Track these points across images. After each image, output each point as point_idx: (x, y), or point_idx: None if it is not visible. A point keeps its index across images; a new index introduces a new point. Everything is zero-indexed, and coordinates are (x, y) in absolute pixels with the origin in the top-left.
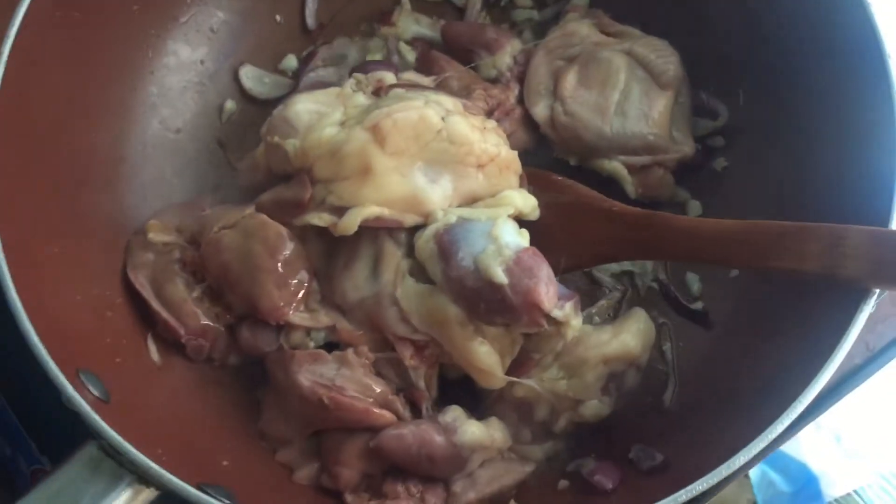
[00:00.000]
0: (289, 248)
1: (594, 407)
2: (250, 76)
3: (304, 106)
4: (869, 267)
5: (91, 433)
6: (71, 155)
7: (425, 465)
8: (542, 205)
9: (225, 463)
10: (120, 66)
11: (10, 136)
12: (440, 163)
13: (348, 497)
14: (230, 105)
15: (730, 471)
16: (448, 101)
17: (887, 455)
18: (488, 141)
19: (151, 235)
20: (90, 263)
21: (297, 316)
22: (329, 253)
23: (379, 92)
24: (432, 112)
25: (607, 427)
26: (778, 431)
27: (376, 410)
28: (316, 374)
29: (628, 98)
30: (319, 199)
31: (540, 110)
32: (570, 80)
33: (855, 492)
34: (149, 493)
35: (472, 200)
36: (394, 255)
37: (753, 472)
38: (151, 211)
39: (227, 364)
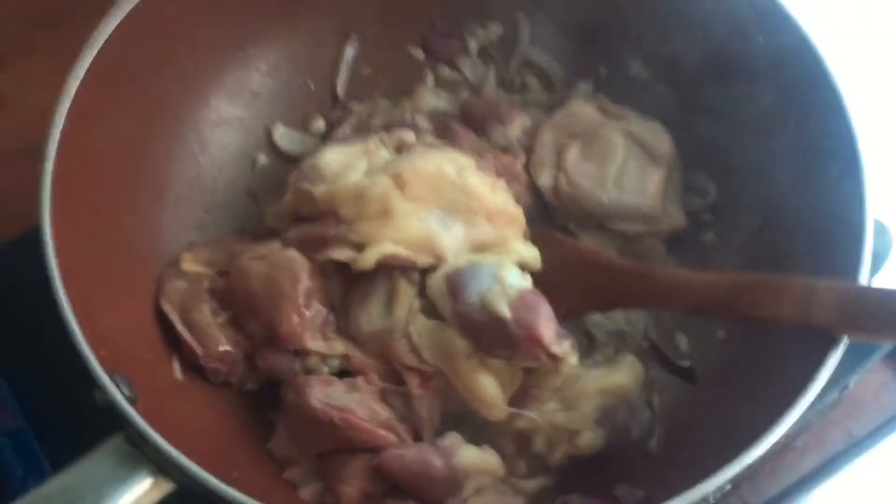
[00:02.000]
0: (310, 280)
1: (590, 438)
2: (282, 135)
3: (333, 156)
4: (836, 316)
5: (120, 424)
6: (117, 193)
7: (423, 485)
8: (545, 258)
9: (235, 474)
10: (168, 117)
11: (71, 171)
12: (454, 211)
13: None
14: (262, 158)
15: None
16: (464, 159)
17: None
18: (497, 196)
19: (184, 266)
20: (127, 289)
21: (314, 343)
22: (346, 289)
23: (401, 150)
24: (450, 166)
25: (595, 469)
26: (744, 463)
27: (382, 432)
28: (328, 397)
29: (625, 172)
30: (342, 237)
31: (545, 179)
32: (572, 153)
33: None
34: (167, 486)
35: (480, 248)
36: (407, 294)
37: None
38: (183, 245)
39: (244, 389)
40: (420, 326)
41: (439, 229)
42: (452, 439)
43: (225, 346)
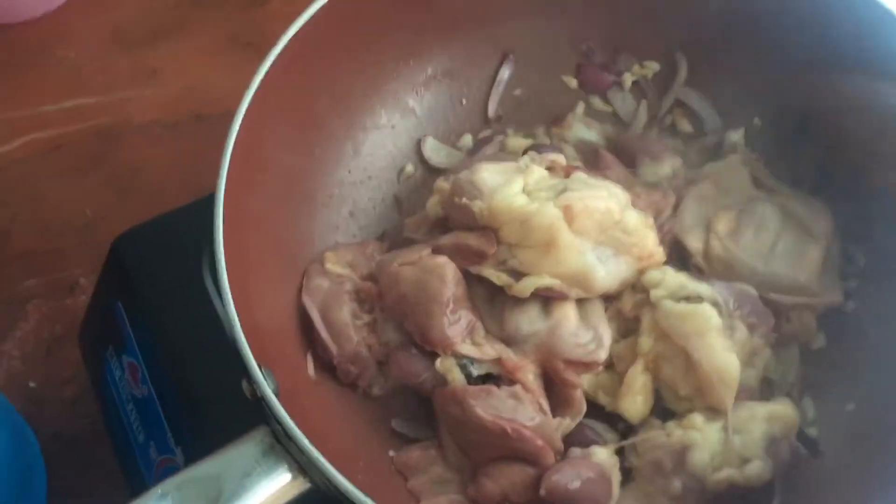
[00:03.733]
0: (462, 287)
1: (759, 467)
2: (432, 147)
3: (488, 174)
4: None
5: (266, 418)
6: (278, 185)
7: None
8: None
9: (359, 477)
10: (331, 120)
11: (244, 170)
12: (610, 246)
13: None
14: (409, 168)
15: None
16: (623, 195)
17: None
18: (650, 238)
19: (329, 265)
20: (275, 281)
21: (464, 347)
22: (493, 296)
23: (552, 170)
24: (615, 204)
25: None
26: None
27: (547, 446)
28: (495, 408)
29: (781, 243)
30: (501, 258)
31: (693, 241)
32: (723, 222)
33: None
34: (304, 485)
35: (625, 284)
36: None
37: None
38: (328, 245)
39: (370, 394)
40: None
41: (595, 263)
42: (603, 455)
43: (359, 348)
